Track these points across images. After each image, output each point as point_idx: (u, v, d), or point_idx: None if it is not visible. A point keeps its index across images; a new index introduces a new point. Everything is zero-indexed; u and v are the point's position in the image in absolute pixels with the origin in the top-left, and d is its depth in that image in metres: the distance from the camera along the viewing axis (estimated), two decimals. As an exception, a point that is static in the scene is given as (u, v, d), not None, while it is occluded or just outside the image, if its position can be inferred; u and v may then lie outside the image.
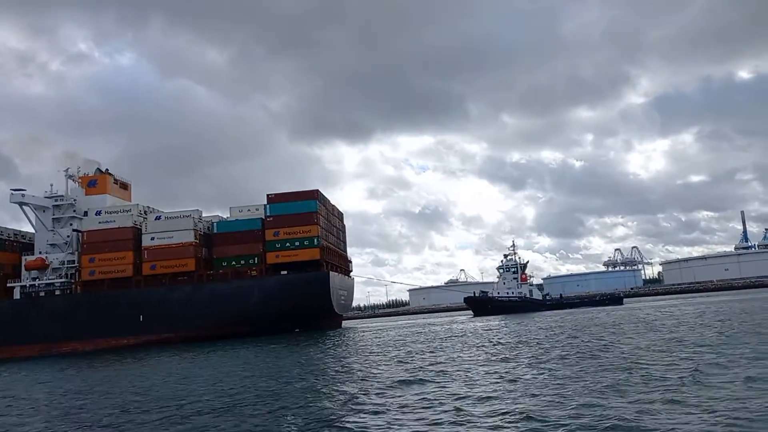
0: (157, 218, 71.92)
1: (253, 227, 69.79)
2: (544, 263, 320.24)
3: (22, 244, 76.99)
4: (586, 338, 28.26)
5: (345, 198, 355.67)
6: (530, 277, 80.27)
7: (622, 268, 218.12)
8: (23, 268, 72.81)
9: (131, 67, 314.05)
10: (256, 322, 63.91)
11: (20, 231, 78.79)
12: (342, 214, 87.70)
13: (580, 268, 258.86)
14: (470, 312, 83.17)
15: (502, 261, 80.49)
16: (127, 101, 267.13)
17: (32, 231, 76.95)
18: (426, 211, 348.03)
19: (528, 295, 77.51)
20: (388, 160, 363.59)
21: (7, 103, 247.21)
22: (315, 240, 67.81)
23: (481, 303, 78.46)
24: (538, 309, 75.28)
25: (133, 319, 66.75)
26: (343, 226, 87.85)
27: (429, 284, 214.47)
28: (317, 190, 71.51)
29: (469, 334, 39.03)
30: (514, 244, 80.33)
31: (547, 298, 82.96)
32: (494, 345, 28.81)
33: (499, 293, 78.12)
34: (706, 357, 17.50)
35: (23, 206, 74.29)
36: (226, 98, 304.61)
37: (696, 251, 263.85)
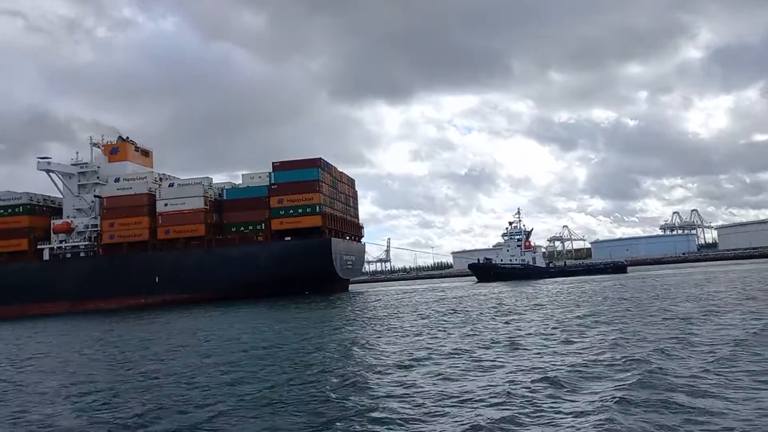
0: (171, 185, 75.29)
1: (260, 194, 72.28)
2: (598, 226, 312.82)
3: (52, 209, 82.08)
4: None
5: (388, 160, 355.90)
6: (535, 245, 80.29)
7: (679, 232, 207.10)
8: (52, 231, 78.07)
9: (174, 32, 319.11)
10: (262, 286, 66.99)
11: (50, 196, 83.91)
12: (353, 180, 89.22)
13: (636, 232, 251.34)
14: (474, 278, 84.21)
15: (507, 228, 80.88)
16: (172, 67, 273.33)
17: (61, 197, 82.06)
18: (472, 172, 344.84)
19: (531, 263, 77.87)
20: (431, 121, 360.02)
21: (59, 70, 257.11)
22: (317, 207, 69.83)
23: (484, 269, 79.42)
24: (540, 276, 75.69)
25: (150, 280, 71.11)
26: (355, 193, 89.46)
27: (478, 247, 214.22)
28: (320, 158, 73.05)
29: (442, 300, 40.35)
30: (519, 212, 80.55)
31: (551, 265, 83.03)
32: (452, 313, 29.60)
33: (502, 260, 78.79)
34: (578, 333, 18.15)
35: (50, 173, 79.22)
36: (267, 60, 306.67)
37: (763, 214, 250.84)
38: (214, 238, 72.36)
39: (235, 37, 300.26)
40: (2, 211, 77.21)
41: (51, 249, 77.08)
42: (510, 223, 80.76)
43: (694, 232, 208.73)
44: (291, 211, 70.21)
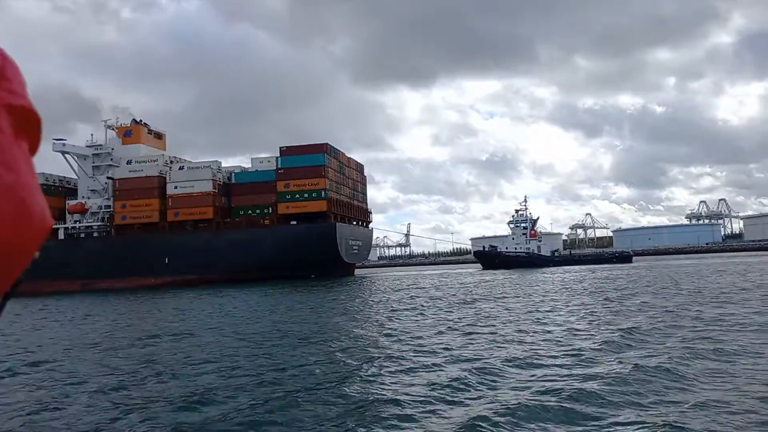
0: (181, 168, 76.61)
1: (267, 179, 73.22)
2: (622, 214, 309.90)
3: (67, 189, 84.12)
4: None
5: (409, 144, 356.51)
6: (540, 233, 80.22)
7: (706, 221, 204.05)
8: (67, 211, 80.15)
9: (196, 14, 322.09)
10: (268, 269, 68.19)
11: (66, 177, 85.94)
12: (362, 166, 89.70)
13: (662, 220, 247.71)
14: (479, 265, 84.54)
15: (513, 216, 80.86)
16: (193, 48, 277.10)
17: (76, 177, 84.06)
18: (494, 158, 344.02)
19: (536, 251, 77.86)
20: (452, 106, 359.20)
21: (84, 50, 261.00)
22: (323, 192, 70.55)
23: (489, 257, 79.65)
24: (544, 265, 75.66)
25: (160, 261, 72.74)
26: (363, 179, 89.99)
27: (498, 233, 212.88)
28: (326, 144, 73.60)
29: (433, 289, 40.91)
30: (525, 199, 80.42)
31: (556, 254, 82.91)
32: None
33: (507, 248, 78.91)
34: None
35: (65, 155, 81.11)
36: (288, 43, 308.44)
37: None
38: (222, 221, 73.62)
39: (256, 19, 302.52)
40: (20, 190, 79.44)
41: (66, 229, 79.14)
42: (516, 211, 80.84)
43: (720, 222, 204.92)
44: (297, 196, 71.05)
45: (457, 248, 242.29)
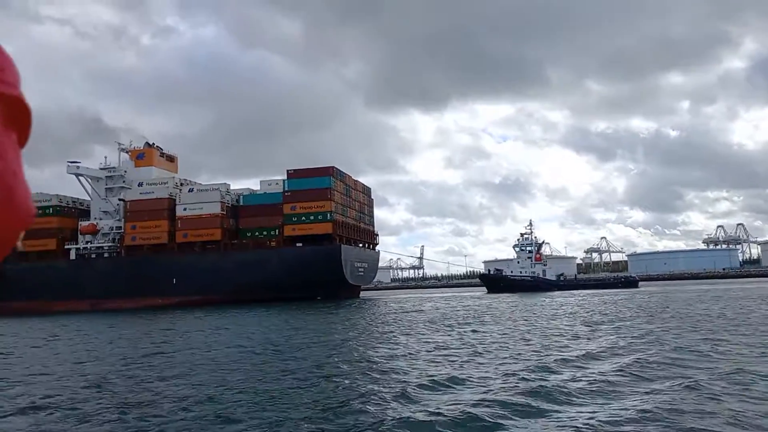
0: (190, 190, 78.06)
1: (275, 201, 74.32)
2: (638, 238, 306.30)
3: (80, 210, 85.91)
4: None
5: (422, 167, 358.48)
6: (545, 257, 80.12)
7: (723, 246, 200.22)
8: (79, 232, 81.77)
9: (213, 39, 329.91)
10: (274, 290, 68.79)
11: (79, 198, 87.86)
12: (369, 189, 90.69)
13: (678, 245, 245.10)
14: (484, 288, 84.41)
15: (518, 239, 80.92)
16: (211, 73, 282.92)
17: (89, 199, 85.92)
18: (507, 181, 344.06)
19: (541, 275, 77.70)
20: (464, 129, 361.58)
21: (104, 75, 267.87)
22: (328, 215, 71.42)
23: (493, 280, 79.60)
24: (549, 289, 75.42)
25: (168, 281, 73.71)
26: (370, 201, 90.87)
27: (512, 257, 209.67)
28: (333, 167, 74.73)
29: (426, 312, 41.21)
30: (531, 223, 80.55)
31: (561, 279, 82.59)
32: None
33: (512, 271, 78.86)
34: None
35: (79, 177, 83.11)
36: (302, 67, 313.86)
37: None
38: (229, 243, 74.62)
39: (271, 44, 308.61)
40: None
41: (77, 249, 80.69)
42: (522, 235, 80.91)
43: (737, 247, 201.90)
44: (303, 218, 72.00)
45: (470, 271, 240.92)
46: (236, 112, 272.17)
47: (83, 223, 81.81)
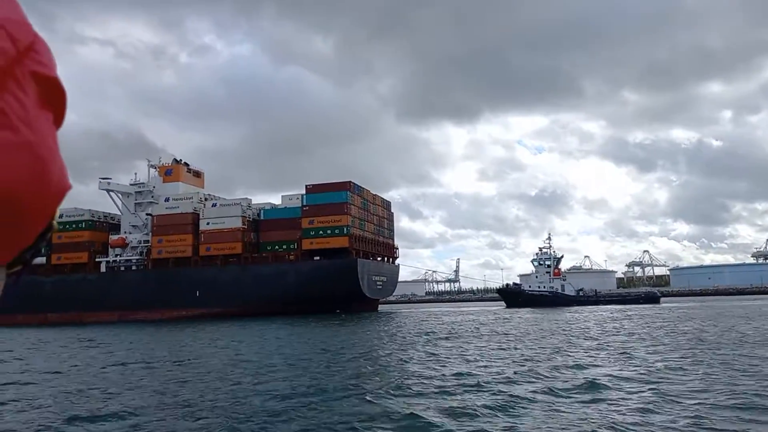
0: (213, 205, 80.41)
1: (294, 215, 75.90)
2: (683, 252, 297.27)
3: (111, 225, 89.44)
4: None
5: (455, 179, 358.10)
6: (562, 274, 79.05)
7: None
8: (109, 245, 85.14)
9: (248, 57, 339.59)
10: (293, 303, 70.06)
11: (110, 213, 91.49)
12: (389, 203, 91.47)
13: (726, 259, 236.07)
14: (503, 303, 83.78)
15: (536, 254, 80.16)
16: (246, 90, 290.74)
17: (119, 214, 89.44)
18: (543, 193, 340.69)
19: (559, 290, 76.68)
20: (498, 141, 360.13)
21: (146, 94, 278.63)
22: (345, 229, 72.46)
23: (512, 295, 79.03)
24: (568, 304, 74.33)
25: (191, 294, 75.92)
26: (390, 215, 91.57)
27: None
28: (350, 182, 75.86)
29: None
30: (549, 237, 79.70)
31: (581, 293, 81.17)
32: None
33: (530, 286, 78.13)
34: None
35: (109, 192, 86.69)
36: (335, 83, 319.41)
37: None
38: (249, 256, 76.41)
39: (304, 61, 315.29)
40: (68, 226, 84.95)
41: (107, 262, 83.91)
42: (540, 249, 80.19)
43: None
44: (320, 232, 73.26)
45: (506, 284, 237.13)
46: (271, 128, 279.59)
47: (113, 237, 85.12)
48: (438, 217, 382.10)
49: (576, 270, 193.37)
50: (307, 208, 74.60)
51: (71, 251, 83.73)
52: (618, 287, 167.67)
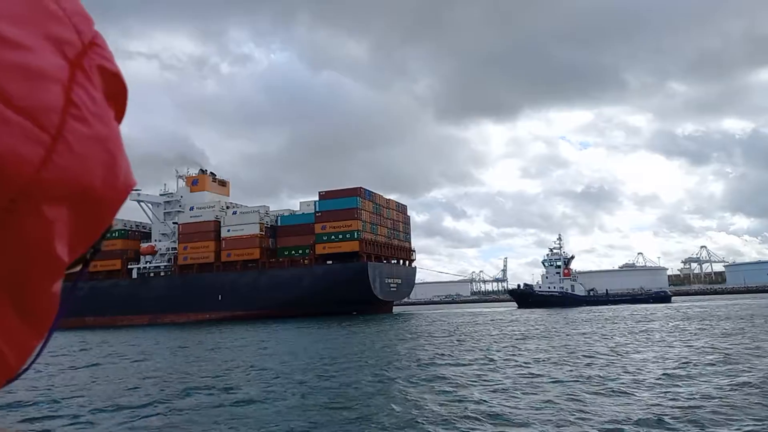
0: (234, 213, 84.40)
1: (308, 221, 79.01)
2: (744, 246, 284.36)
3: (142, 233, 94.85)
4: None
5: (497, 177, 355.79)
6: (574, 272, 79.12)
7: None
8: (140, 253, 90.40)
9: (286, 65, 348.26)
10: (307, 305, 73.09)
11: (141, 222, 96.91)
12: (404, 206, 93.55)
13: None
14: (515, 304, 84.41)
15: (546, 254, 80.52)
16: (286, 96, 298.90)
17: (150, 222, 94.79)
18: (590, 189, 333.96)
19: (570, 290, 76.87)
20: (539, 137, 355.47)
21: (190, 102, 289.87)
22: (355, 233, 74.99)
23: (523, 296, 79.70)
24: (578, 304, 74.40)
25: (214, 297, 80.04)
26: (405, 218, 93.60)
27: (603, 268, 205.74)
28: (360, 188, 78.39)
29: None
30: (560, 238, 79.94)
31: (591, 293, 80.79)
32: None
33: (540, 287, 78.61)
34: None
35: (140, 203, 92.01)
36: (371, 86, 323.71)
37: None
38: (267, 261, 79.93)
39: (340, 66, 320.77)
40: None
41: (139, 269, 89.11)
42: (550, 249, 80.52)
43: None
44: (332, 237, 76.07)
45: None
46: (312, 132, 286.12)
47: (144, 245, 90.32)
48: (482, 216, 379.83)
49: (628, 268, 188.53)
50: (320, 214, 77.54)
51: (105, 259, 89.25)
52: (669, 285, 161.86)
